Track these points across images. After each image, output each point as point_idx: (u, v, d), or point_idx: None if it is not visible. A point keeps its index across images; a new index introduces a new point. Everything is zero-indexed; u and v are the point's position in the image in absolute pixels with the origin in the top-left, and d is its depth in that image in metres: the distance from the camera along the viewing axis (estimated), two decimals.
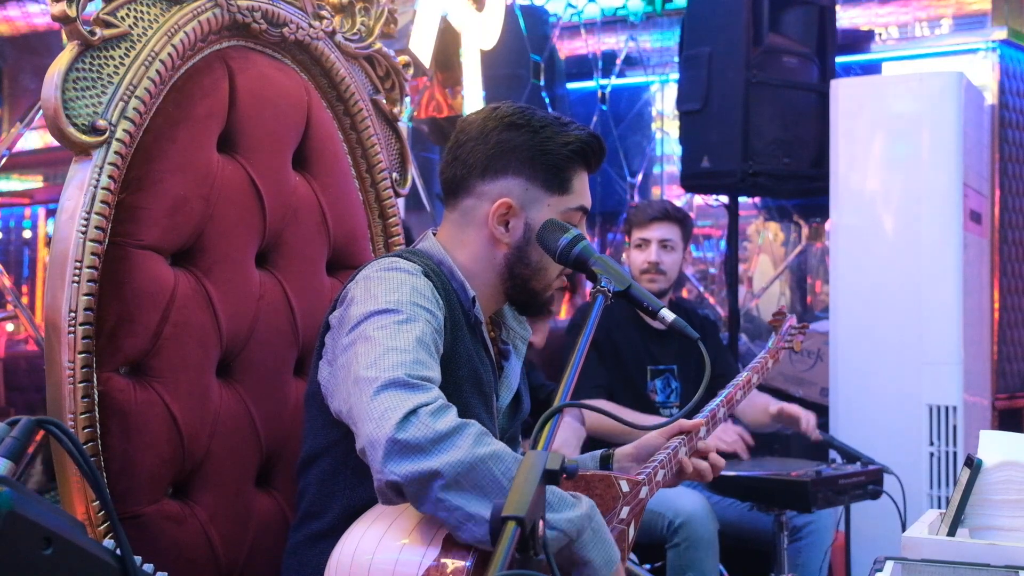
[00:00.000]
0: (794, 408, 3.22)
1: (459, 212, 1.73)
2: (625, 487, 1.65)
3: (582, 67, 5.63)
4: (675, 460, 1.79)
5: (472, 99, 4.13)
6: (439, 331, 1.56)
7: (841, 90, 3.84)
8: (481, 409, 1.65)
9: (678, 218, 3.36)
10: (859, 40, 4.90)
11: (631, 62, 5.73)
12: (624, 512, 1.64)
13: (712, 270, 5.90)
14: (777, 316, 2.32)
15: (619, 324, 3.24)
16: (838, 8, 4.42)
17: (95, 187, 1.59)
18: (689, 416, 1.85)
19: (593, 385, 3.13)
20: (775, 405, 3.23)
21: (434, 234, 1.76)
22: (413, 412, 1.37)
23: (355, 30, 2.08)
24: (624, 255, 3.39)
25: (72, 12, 1.57)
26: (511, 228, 1.69)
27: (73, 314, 1.55)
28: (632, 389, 3.24)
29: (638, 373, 3.25)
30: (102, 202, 1.59)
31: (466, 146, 1.71)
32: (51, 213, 3.43)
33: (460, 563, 1.38)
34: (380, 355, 1.45)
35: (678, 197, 5.71)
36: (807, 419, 3.18)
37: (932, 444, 3.54)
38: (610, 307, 3.26)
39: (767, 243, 5.61)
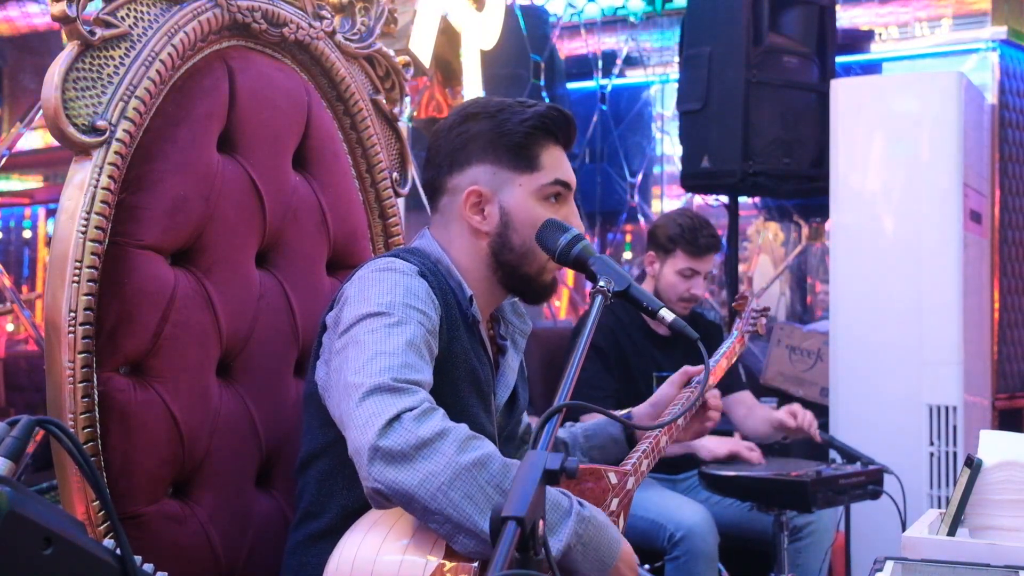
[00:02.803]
0: (787, 414, 3.16)
1: (440, 213, 1.74)
2: (613, 479, 1.66)
3: (582, 67, 5.63)
4: (658, 449, 1.82)
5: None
6: (433, 332, 1.56)
7: (841, 90, 3.84)
8: (479, 409, 1.65)
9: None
10: (859, 40, 4.90)
11: (631, 62, 5.73)
12: (614, 504, 1.65)
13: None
14: (739, 300, 2.33)
15: (627, 332, 3.22)
16: (838, 8, 4.41)
17: (95, 187, 1.59)
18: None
19: (603, 395, 3.06)
20: (775, 416, 3.20)
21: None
22: (396, 418, 1.36)
23: (355, 30, 2.09)
24: (649, 269, 3.31)
25: (72, 12, 1.57)
26: (487, 215, 1.68)
27: (73, 314, 1.55)
28: (638, 397, 3.21)
29: (644, 380, 3.23)
30: (102, 202, 1.59)
31: (435, 147, 1.73)
32: (51, 213, 3.42)
33: (467, 564, 1.37)
34: (368, 360, 1.44)
35: (678, 197, 5.71)
36: (802, 417, 3.13)
37: (932, 444, 3.53)
38: (618, 315, 3.25)
39: (767, 243, 5.61)
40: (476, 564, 1.37)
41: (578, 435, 1.96)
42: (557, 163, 1.70)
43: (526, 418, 1.95)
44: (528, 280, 1.71)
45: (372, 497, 1.40)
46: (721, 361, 2.11)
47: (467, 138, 1.68)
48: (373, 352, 1.45)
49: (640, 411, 1.94)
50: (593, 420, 2.01)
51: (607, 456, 1.93)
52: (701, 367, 1.91)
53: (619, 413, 1.96)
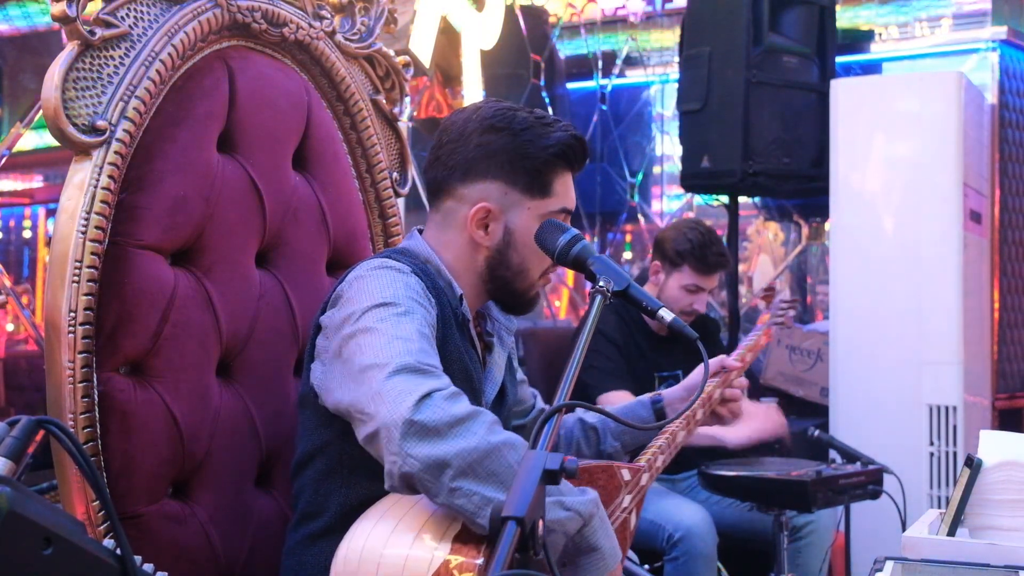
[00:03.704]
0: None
1: (441, 214, 1.74)
2: (627, 475, 1.66)
3: (582, 67, 5.63)
4: (675, 444, 1.84)
5: (472, 99, 4.13)
6: (433, 328, 1.57)
7: (841, 90, 3.84)
8: None
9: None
10: (859, 40, 4.90)
11: (631, 62, 5.72)
12: (627, 500, 1.65)
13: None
14: (767, 292, 2.33)
15: (630, 332, 3.24)
16: (838, 8, 4.41)
17: (95, 187, 1.59)
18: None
19: (615, 377, 3.09)
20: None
21: (420, 231, 1.76)
22: (428, 396, 1.37)
23: (355, 30, 2.09)
24: (653, 278, 3.30)
25: (72, 12, 1.57)
26: (490, 231, 1.69)
27: (73, 314, 1.55)
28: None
29: (645, 380, 3.24)
30: (102, 202, 1.59)
31: (447, 147, 1.72)
32: (51, 213, 3.42)
33: (471, 561, 1.37)
34: (386, 343, 1.45)
35: (678, 197, 5.71)
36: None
37: (932, 444, 3.53)
38: (621, 315, 3.26)
39: (767, 243, 5.60)
40: (481, 560, 1.37)
41: (608, 419, 1.97)
42: (566, 191, 1.72)
43: (540, 402, 1.97)
44: (516, 295, 1.74)
45: (393, 475, 1.37)
46: (746, 355, 2.13)
47: (487, 152, 1.67)
48: (390, 336, 1.46)
49: (672, 393, 1.97)
50: (622, 403, 2.04)
51: (638, 439, 1.95)
52: (734, 355, 1.98)
53: (651, 395, 1.99)
